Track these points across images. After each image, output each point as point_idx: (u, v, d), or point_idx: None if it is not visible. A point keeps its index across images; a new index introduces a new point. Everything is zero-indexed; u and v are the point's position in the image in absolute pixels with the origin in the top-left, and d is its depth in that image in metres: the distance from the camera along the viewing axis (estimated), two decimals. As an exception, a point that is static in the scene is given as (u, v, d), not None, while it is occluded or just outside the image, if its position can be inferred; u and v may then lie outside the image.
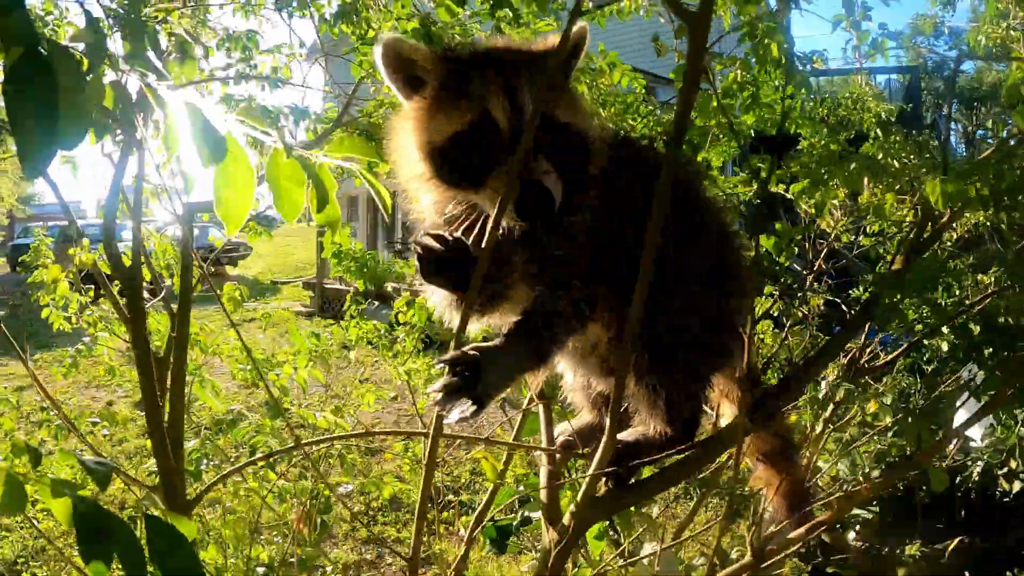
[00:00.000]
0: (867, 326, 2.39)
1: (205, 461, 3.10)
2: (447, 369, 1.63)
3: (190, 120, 1.02)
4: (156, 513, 0.96)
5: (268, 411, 3.27)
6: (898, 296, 1.94)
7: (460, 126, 1.82)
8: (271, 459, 2.88)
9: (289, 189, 1.15)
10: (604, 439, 1.64)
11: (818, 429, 2.43)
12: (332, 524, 6.50)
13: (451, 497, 7.29)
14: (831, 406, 2.31)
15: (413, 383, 3.77)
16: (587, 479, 1.62)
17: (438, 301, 2.02)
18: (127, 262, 3.64)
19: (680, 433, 2.00)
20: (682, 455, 1.89)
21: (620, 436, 2.02)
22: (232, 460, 3.26)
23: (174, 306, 2.75)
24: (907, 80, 24.08)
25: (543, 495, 1.95)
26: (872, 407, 2.42)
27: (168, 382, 2.37)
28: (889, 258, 4.33)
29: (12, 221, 35.72)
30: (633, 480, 1.89)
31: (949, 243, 3.40)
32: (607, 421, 1.75)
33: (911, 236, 2.17)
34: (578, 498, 1.61)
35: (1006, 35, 5.59)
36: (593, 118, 1.97)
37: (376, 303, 13.11)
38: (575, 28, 1.76)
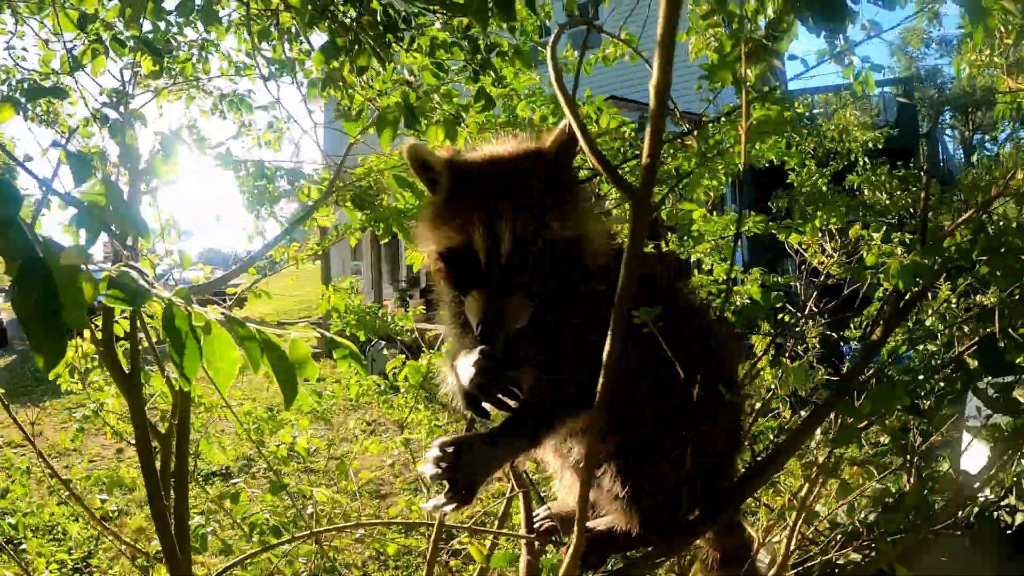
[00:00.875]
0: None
1: (210, 530, 3.15)
2: (438, 463, 1.71)
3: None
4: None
5: (271, 481, 3.32)
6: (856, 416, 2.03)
7: (452, 243, 1.94)
8: (277, 547, 2.92)
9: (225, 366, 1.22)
10: (575, 529, 1.69)
11: (803, 491, 2.46)
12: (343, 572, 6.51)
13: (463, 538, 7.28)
14: (814, 469, 2.35)
15: (416, 435, 3.83)
16: (561, 570, 1.68)
17: (450, 387, 2.10)
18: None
19: (641, 530, 2.06)
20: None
21: (595, 524, 2.11)
22: (244, 527, 3.30)
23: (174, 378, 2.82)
24: (899, 91, 24.23)
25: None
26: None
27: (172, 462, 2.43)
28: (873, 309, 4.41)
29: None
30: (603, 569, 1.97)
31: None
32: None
33: (887, 305, 2.22)
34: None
35: (989, 61, 5.67)
36: (593, 216, 2.04)
37: (383, 342, 13.15)
38: (563, 126, 1.90)
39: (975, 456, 3.81)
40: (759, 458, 2.26)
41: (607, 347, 1.45)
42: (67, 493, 3.92)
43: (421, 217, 2.11)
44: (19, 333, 20.37)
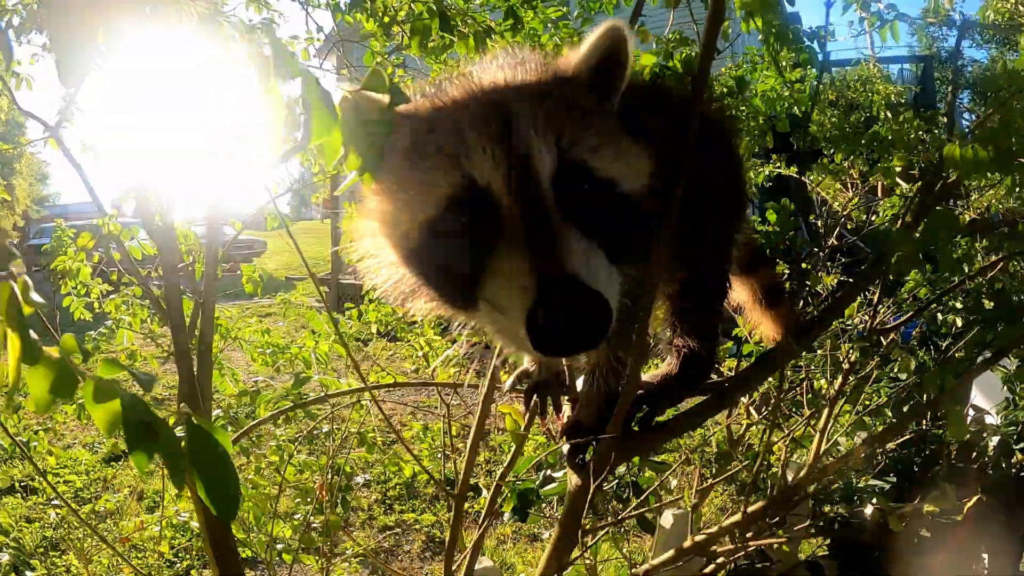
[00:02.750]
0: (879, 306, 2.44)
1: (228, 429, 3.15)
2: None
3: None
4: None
5: (285, 382, 3.32)
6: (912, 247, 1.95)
7: (433, 208, 1.29)
8: (306, 407, 2.91)
9: (330, 140, 1.18)
10: (628, 377, 1.60)
11: (833, 390, 2.45)
12: (350, 512, 6.56)
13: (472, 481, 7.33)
14: (847, 366, 2.34)
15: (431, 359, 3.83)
16: (614, 417, 1.62)
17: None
18: (149, 250, 3.71)
19: (711, 353, 1.96)
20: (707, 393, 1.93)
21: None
22: (256, 438, 3.30)
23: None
24: (919, 69, 23.98)
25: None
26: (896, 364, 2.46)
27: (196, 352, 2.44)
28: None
29: (28, 222, 35.90)
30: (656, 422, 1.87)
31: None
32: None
33: (919, 197, 2.19)
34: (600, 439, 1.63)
35: (1015, 9, 5.62)
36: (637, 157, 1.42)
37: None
38: (606, 29, 1.39)
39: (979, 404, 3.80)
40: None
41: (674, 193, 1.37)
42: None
43: (365, 220, 1.46)
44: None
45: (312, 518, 3.04)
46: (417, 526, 7.15)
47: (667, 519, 2.32)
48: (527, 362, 1.97)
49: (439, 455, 4.78)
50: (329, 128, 1.10)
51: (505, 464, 2.27)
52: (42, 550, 6.48)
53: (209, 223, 2.72)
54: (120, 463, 8.25)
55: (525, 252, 1.16)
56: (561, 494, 2.19)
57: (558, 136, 1.29)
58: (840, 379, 2.38)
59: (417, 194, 1.31)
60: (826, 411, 2.49)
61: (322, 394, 3.00)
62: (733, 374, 2.06)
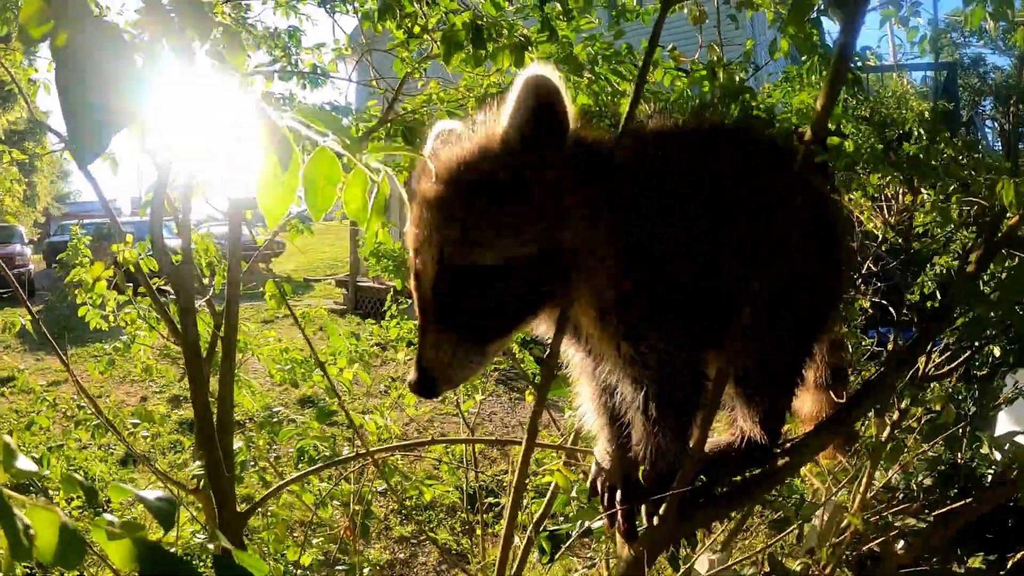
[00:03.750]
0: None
1: (251, 463, 3.07)
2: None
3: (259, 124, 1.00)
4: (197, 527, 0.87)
5: (309, 411, 3.22)
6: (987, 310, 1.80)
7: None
8: (334, 467, 2.81)
9: (325, 188, 1.11)
10: (691, 452, 1.52)
11: (884, 435, 2.34)
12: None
13: (490, 499, 7.25)
14: (896, 413, 2.23)
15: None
16: (670, 497, 1.51)
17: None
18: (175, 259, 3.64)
19: (771, 439, 1.84)
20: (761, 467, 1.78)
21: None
22: (272, 461, 3.21)
23: (218, 307, 2.72)
24: (943, 77, 23.78)
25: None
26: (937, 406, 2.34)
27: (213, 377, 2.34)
28: (943, 262, 4.25)
29: (48, 219, 36.13)
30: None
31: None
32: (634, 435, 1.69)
33: (981, 239, 2.06)
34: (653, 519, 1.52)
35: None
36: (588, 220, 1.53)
37: (411, 302, 13.04)
38: (530, 83, 1.43)
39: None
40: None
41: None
42: (90, 433, 3.85)
43: None
44: (45, 284, 20.57)
45: (334, 555, 2.96)
46: (434, 536, 7.07)
47: (703, 563, 2.22)
48: (598, 455, 1.88)
49: (460, 467, 4.72)
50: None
51: (540, 510, 2.18)
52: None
53: (231, 234, 2.60)
54: (137, 466, 8.20)
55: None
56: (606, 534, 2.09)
57: (441, 247, 1.51)
58: (888, 428, 2.27)
59: None
60: (870, 461, 2.38)
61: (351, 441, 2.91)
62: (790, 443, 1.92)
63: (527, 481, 2.14)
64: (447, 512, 7.33)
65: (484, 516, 4.39)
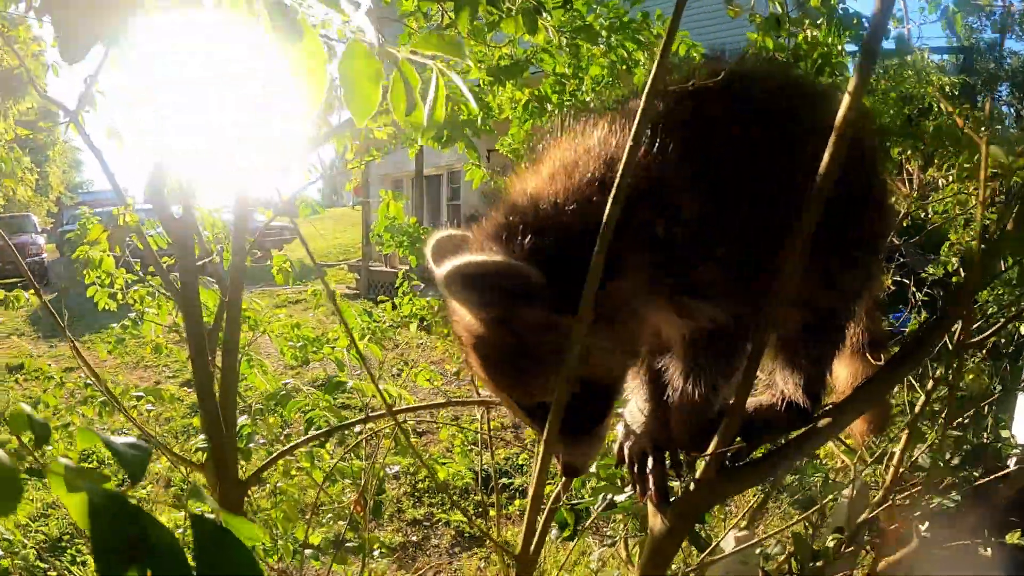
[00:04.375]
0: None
1: (256, 438, 2.99)
2: None
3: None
4: (205, 507, 0.76)
5: (321, 388, 3.14)
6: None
7: None
8: (341, 432, 2.73)
9: (364, 85, 1.00)
10: (728, 416, 1.40)
11: (917, 406, 2.25)
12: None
13: (504, 480, 7.20)
14: (931, 382, 2.14)
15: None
16: (706, 461, 1.41)
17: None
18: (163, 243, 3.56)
19: (812, 404, 1.75)
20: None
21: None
22: (284, 438, 3.14)
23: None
24: (960, 61, 23.54)
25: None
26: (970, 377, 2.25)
27: (219, 354, 2.26)
28: (964, 239, 4.16)
29: (61, 209, 36.19)
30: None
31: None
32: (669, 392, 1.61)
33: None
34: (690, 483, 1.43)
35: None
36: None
37: (423, 285, 12.94)
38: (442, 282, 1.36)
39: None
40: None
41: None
42: (97, 411, 3.80)
43: None
44: (59, 273, 20.69)
45: (345, 533, 2.88)
46: (447, 518, 7.02)
47: (729, 542, 2.13)
48: (628, 416, 1.78)
49: (472, 450, 4.66)
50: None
51: (556, 488, 2.09)
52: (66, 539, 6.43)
53: (238, 211, 2.53)
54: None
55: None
56: (629, 510, 2.00)
57: (511, 397, 1.53)
58: (923, 400, 2.18)
59: None
60: (906, 434, 2.28)
61: (358, 406, 2.83)
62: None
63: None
64: (460, 494, 7.28)
65: (498, 497, 4.32)
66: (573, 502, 1.89)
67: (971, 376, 2.37)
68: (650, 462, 1.63)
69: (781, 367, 1.74)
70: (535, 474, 1.38)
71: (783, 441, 1.56)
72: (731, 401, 1.46)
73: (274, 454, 2.51)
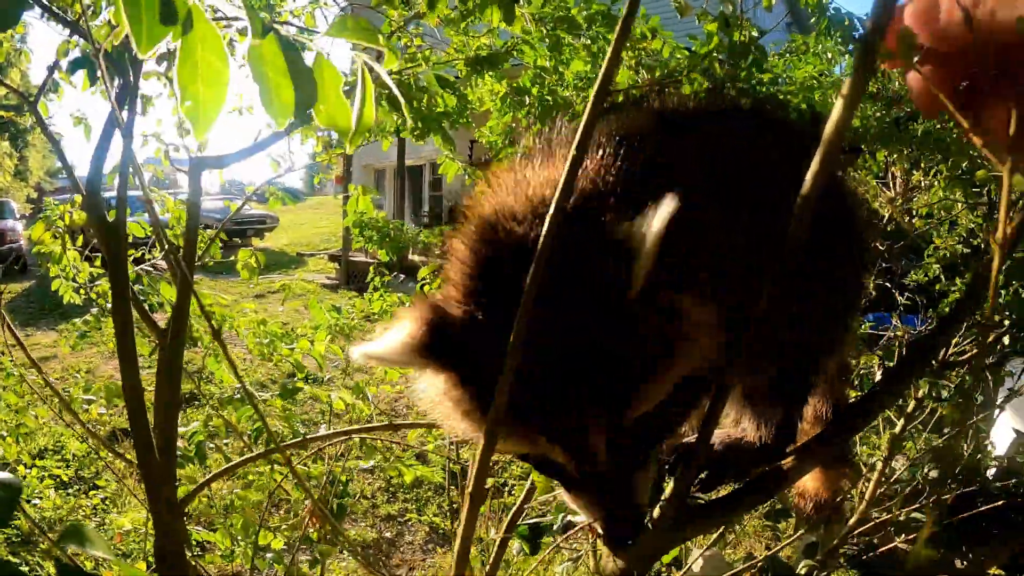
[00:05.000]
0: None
1: (212, 444, 2.88)
2: None
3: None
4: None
5: (279, 389, 3.04)
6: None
7: (520, 451, 1.29)
8: (295, 448, 2.61)
9: (277, 82, 0.88)
10: (695, 452, 1.25)
11: (898, 427, 2.18)
12: (352, 503, 6.36)
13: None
14: (913, 402, 2.07)
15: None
16: (676, 482, 1.28)
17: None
18: (139, 231, 3.45)
19: (783, 443, 1.62)
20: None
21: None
22: (247, 440, 3.04)
23: (210, 281, 2.53)
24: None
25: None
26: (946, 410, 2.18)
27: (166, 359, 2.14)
28: (948, 244, 4.10)
29: (40, 194, 35.87)
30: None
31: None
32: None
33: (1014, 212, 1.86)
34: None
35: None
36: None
37: (403, 276, 12.82)
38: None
39: (1003, 432, 3.54)
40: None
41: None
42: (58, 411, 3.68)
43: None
44: (36, 260, 20.56)
45: (303, 545, 2.79)
46: (422, 516, 6.95)
47: (697, 562, 2.05)
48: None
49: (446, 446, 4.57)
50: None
51: (518, 501, 1.99)
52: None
53: (191, 197, 2.37)
54: (120, 443, 8.04)
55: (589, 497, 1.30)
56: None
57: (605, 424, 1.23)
58: (903, 421, 2.11)
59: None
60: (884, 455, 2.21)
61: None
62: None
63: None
64: (435, 491, 7.20)
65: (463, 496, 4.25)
66: (530, 520, 1.80)
67: (947, 409, 2.29)
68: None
69: (745, 418, 1.64)
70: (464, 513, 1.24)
71: (746, 481, 1.46)
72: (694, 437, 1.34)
73: (230, 457, 2.42)
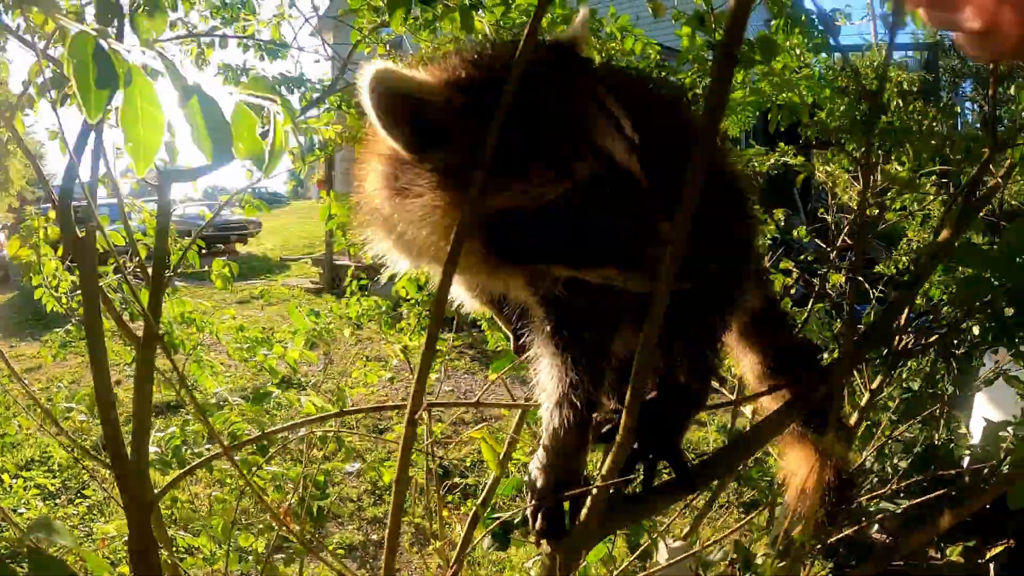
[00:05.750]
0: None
1: (186, 448, 2.91)
2: None
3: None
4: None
5: (252, 395, 3.08)
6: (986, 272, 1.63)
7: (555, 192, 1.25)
8: (267, 438, 2.64)
9: (200, 130, 0.96)
10: (618, 438, 1.23)
11: (852, 419, 2.24)
12: (335, 505, 6.38)
13: (457, 479, 7.14)
14: (868, 394, 2.12)
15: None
16: (596, 492, 1.30)
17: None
18: (119, 240, 3.47)
19: (703, 384, 1.70)
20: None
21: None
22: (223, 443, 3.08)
23: (196, 288, 2.57)
24: (924, 57, 23.74)
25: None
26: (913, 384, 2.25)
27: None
28: (920, 237, 4.17)
29: (22, 204, 35.62)
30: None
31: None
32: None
33: (957, 202, 1.94)
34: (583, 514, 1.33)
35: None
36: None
37: (379, 279, 12.76)
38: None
39: (980, 423, 3.61)
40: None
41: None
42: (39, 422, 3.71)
43: (387, 176, 1.33)
44: (17, 270, 20.41)
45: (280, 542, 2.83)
46: (407, 517, 6.96)
47: (663, 553, 2.09)
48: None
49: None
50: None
51: (485, 489, 2.04)
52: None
53: (160, 207, 2.38)
54: (104, 452, 8.02)
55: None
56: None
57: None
58: (858, 413, 2.16)
59: (523, 184, 1.33)
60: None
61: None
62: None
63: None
64: (421, 492, 7.22)
65: (440, 498, 4.28)
66: (496, 515, 1.85)
67: (915, 383, 2.36)
68: (539, 482, 1.53)
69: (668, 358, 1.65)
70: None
71: (681, 471, 1.49)
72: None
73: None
